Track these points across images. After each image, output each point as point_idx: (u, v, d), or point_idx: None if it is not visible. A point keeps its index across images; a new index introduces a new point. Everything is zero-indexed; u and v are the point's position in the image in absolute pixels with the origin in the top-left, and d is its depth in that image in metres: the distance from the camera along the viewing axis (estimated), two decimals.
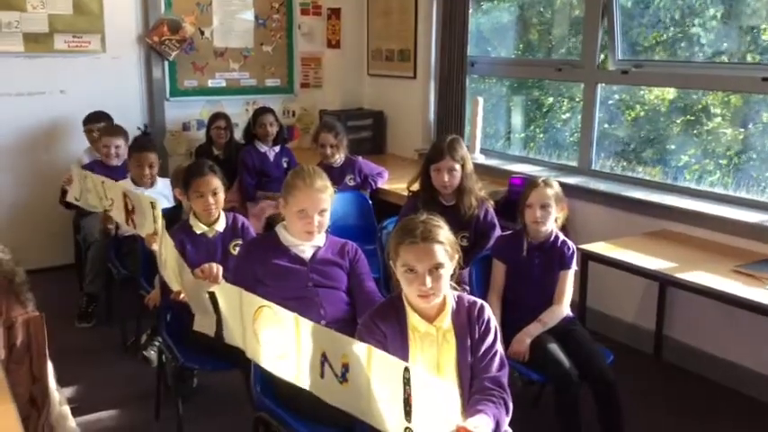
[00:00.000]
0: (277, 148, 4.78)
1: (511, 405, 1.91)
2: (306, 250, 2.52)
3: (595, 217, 3.86)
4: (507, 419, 1.89)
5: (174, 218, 3.35)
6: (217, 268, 2.30)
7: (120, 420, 3.08)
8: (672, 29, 3.95)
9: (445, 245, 1.95)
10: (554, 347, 2.61)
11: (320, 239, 2.56)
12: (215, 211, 2.97)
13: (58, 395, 2.76)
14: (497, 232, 3.23)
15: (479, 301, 2.05)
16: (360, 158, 4.49)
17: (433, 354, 1.97)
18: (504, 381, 1.94)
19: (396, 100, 5.55)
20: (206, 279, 2.25)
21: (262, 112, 4.80)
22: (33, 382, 2.55)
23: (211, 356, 2.62)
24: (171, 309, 2.78)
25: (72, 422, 2.80)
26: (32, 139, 4.72)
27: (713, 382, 3.42)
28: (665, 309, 3.62)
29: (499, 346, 2.00)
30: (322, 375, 1.75)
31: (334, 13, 5.72)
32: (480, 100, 4.71)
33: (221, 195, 2.99)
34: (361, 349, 1.65)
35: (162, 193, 3.86)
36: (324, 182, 2.49)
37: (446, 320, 1.99)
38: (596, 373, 2.60)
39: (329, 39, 5.77)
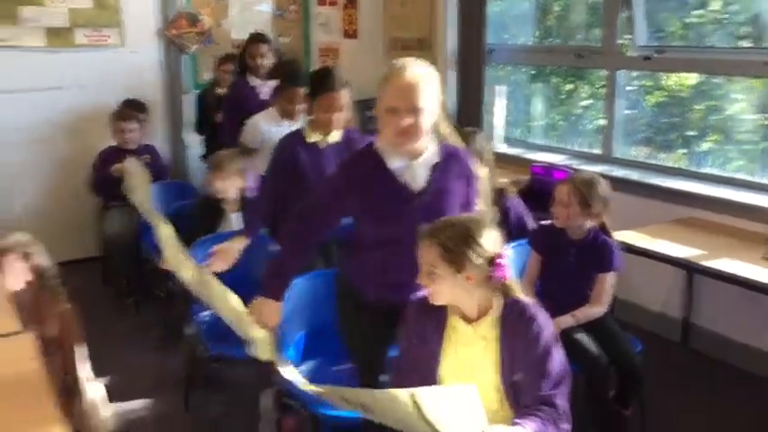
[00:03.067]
0: (272, 83, 4.13)
1: (566, 427, 1.77)
2: (417, 175, 2.11)
3: (620, 205, 3.79)
4: None
5: (209, 212, 3.39)
6: (268, 315, 2.11)
7: (150, 409, 3.11)
8: (696, 11, 3.90)
9: (445, 249, 1.78)
10: (582, 336, 2.59)
11: (433, 152, 2.13)
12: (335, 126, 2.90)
13: (91, 385, 2.80)
14: (530, 223, 3.18)
15: (533, 309, 1.86)
16: None
17: (467, 356, 1.88)
18: (558, 401, 1.77)
19: None
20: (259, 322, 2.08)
21: (253, 40, 4.35)
22: (66, 373, 2.59)
23: (240, 345, 2.63)
24: None
25: (104, 411, 2.84)
26: (54, 132, 4.75)
27: (741, 370, 3.39)
28: (693, 297, 3.60)
29: (555, 362, 1.81)
30: (350, 404, 1.72)
31: (351, 2, 5.70)
32: (500, 88, 4.69)
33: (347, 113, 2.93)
34: (366, 395, 1.62)
35: None
36: (416, 71, 2.04)
37: (487, 325, 1.86)
38: (624, 362, 2.60)
39: (346, 29, 5.75)
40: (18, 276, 2.45)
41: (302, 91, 3.34)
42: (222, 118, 4.32)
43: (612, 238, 2.76)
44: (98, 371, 2.91)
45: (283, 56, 4.72)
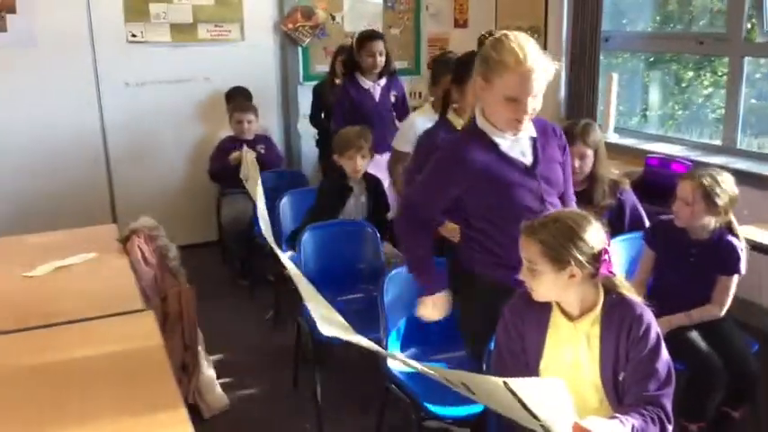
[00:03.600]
0: (383, 81, 4.07)
1: (670, 428, 1.71)
2: (524, 149, 2.14)
3: (741, 199, 3.62)
4: None
5: (337, 193, 3.43)
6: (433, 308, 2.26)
7: (260, 387, 3.27)
8: None
9: (547, 246, 1.74)
10: (694, 335, 2.49)
11: (530, 127, 2.15)
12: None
13: (206, 362, 2.99)
14: (644, 218, 3.01)
15: (639, 307, 1.81)
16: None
17: (568, 352, 1.84)
18: (665, 401, 1.73)
19: None
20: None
21: (369, 37, 4.07)
22: (185, 350, 2.78)
23: None
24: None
25: (218, 387, 3.02)
26: (180, 124, 5.03)
27: None
28: None
29: (662, 362, 1.77)
30: (453, 385, 1.73)
31: None
32: (615, 76, 4.54)
33: None
34: (466, 376, 1.62)
35: None
36: (534, 55, 2.03)
37: (590, 322, 1.82)
38: (737, 363, 2.48)
39: (456, 18, 5.73)
40: (143, 257, 2.64)
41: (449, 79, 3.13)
42: (333, 124, 4.13)
43: (740, 239, 2.58)
44: (212, 348, 3.09)
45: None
